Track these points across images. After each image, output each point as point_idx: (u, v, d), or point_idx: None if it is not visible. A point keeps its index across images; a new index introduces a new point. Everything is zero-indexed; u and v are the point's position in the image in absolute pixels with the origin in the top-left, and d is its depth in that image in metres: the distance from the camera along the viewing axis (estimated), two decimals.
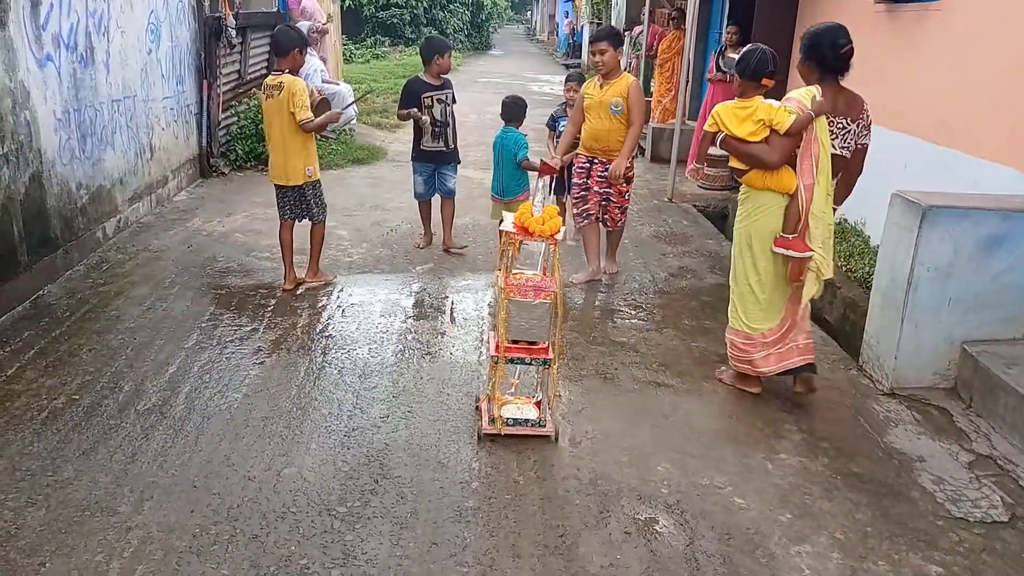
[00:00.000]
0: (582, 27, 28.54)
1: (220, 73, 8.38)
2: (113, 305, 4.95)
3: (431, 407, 3.91)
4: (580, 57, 28.66)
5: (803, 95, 3.80)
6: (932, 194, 4.24)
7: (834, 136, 3.84)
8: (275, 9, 10.11)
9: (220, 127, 8.56)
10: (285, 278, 5.37)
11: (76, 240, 5.54)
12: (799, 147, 3.80)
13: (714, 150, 4.24)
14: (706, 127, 4.11)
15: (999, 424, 3.89)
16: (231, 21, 8.22)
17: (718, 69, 8.90)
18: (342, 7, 24.57)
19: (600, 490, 3.31)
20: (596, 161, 5.61)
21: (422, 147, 6.10)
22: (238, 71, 8.96)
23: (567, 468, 3.45)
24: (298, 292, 5.32)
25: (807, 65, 3.93)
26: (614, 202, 5.72)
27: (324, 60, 11.36)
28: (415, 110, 5.93)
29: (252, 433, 3.59)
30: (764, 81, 3.94)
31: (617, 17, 20.05)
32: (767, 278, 4.00)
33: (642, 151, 11.20)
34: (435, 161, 6.17)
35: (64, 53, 5.39)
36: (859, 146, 3.97)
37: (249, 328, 4.71)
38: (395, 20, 26.78)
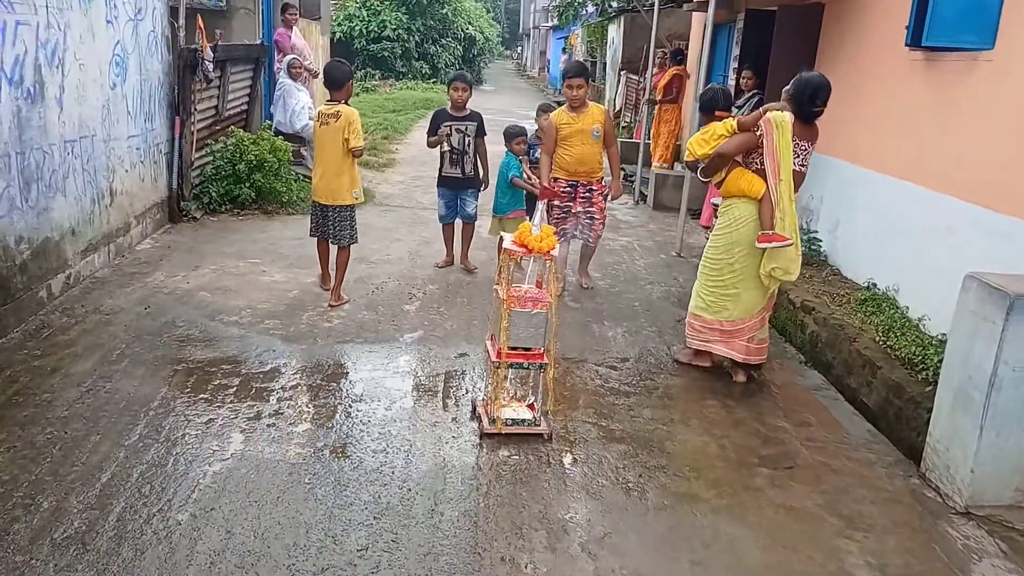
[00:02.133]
0: None
1: (195, 109, 7.72)
2: (47, 385, 4.21)
3: (420, 532, 3.19)
4: None
5: (774, 112, 4.61)
6: (1017, 278, 3.60)
7: (796, 156, 4.64)
8: (259, 42, 9.49)
9: (193, 167, 7.88)
10: (323, 280, 6.05)
11: (12, 303, 4.81)
12: (760, 149, 4.63)
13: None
14: (685, 158, 5.17)
15: None
16: (208, 54, 7.59)
17: None
18: (332, 39, 24.14)
19: None
20: (579, 184, 6.24)
21: (443, 173, 6.65)
22: (215, 107, 8.31)
23: None
24: (271, 365, 4.61)
25: (787, 100, 4.73)
26: (598, 219, 6.36)
27: (312, 97, 10.77)
28: (443, 130, 6.44)
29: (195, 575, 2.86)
30: (717, 113, 4.95)
31: (613, 56, 19.68)
32: (745, 274, 4.78)
33: (644, 197, 10.65)
34: (453, 187, 6.65)
35: (6, 89, 4.72)
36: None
37: (205, 419, 3.98)
38: (386, 54, 26.32)
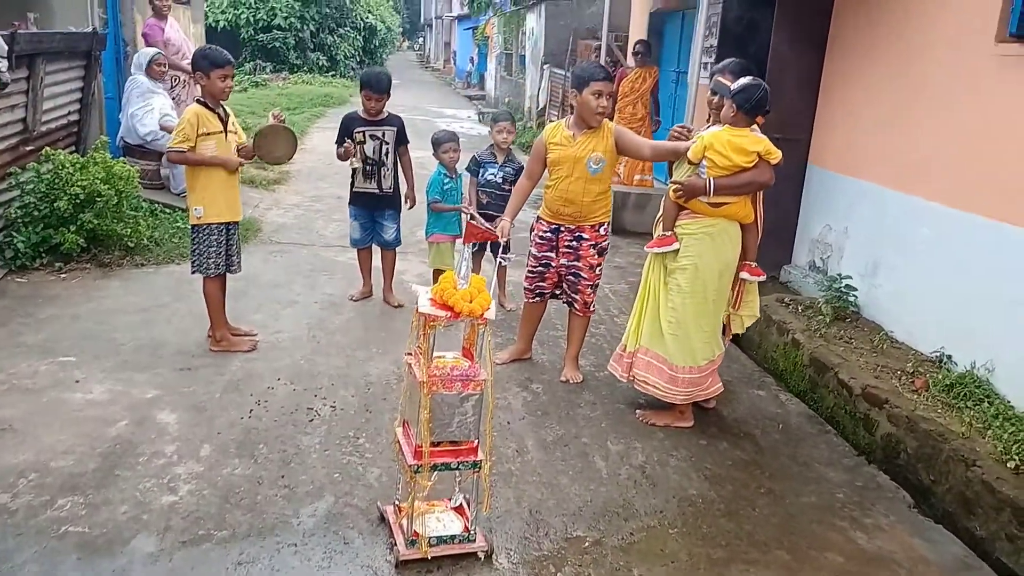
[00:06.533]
0: (486, 59, 26.32)
1: None
2: None
3: None
4: (485, 89, 26.35)
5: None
6: None
7: None
8: (91, 29, 7.02)
9: None
10: None
11: None
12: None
13: None
14: (691, 155, 4.00)
15: None
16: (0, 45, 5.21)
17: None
18: (215, 28, 21.31)
19: None
20: (563, 229, 4.58)
21: (354, 188, 5.59)
22: (22, 120, 5.89)
23: None
24: None
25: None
26: (584, 278, 4.61)
27: (178, 100, 8.38)
28: (348, 144, 5.34)
29: None
30: (758, 119, 4.02)
31: (533, 49, 17.82)
32: (721, 306, 4.22)
33: None
34: (369, 206, 5.61)
35: None
36: None
37: None
38: (278, 44, 23.62)
